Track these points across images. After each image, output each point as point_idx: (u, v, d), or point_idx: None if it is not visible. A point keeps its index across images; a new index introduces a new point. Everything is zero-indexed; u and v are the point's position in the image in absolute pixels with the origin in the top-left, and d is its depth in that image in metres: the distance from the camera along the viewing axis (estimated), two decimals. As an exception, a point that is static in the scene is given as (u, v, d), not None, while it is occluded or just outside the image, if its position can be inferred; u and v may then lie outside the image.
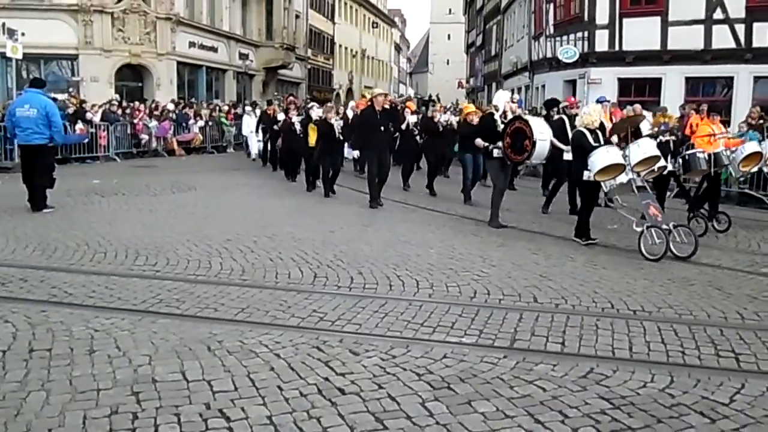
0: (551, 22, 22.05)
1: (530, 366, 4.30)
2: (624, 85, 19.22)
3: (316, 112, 13.66)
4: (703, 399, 3.87)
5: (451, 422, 3.54)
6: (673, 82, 17.90)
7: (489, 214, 9.69)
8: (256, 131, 19.29)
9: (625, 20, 18.91)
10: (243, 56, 33.97)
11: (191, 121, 23.02)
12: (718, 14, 17.50)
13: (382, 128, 11.15)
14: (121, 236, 8.15)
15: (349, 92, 53.71)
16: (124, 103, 21.82)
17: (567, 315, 5.41)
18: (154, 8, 26.20)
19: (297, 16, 41.46)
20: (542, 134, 9.08)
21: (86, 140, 18.43)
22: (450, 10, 70.71)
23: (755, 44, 17.18)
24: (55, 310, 5.24)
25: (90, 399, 3.70)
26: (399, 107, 15.48)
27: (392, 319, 5.22)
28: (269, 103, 20.46)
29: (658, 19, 18.33)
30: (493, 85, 35.93)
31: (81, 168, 17.29)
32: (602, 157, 8.10)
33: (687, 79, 18.26)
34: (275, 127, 16.57)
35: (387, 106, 11.52)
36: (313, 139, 12.99)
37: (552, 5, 21.94)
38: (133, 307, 5.44)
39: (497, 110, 9.85)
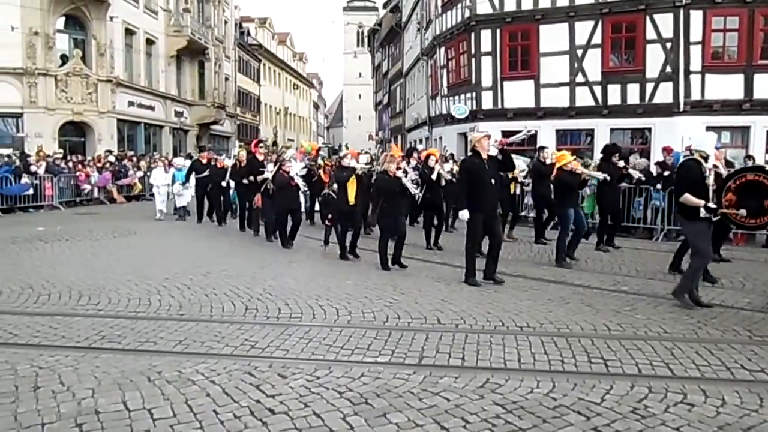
0: (445, 84, 22.71)
1: (436, 379, 4.33)
2: (506, 137, 19.66)
3: (355, 162, 10.02)
4: (579, 400, 3.99)
5: (369, 433, 3.52)
6: (547, 133, 18.53)
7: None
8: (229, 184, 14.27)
9: (505, 83, 19.65)
10: (178, 114, 33.40)
11: (130, 171, 22.48)
12: (579, 78, 18.49)
13: (493, 181, 7.76)
14: (64, 279, 7.74)
15: (274, 145, 53.39)
16: (68, 156, 20.98)
17: (466, 333, 5.48)
18: (95, 71, 25.47)
19: (226, 79, 41.15)
20: None
21: (29, 191, 17.50)
22: (360, 73, 72.06)
23: (610, 102, 18.22)
24: None
25: (34, 433, 3.47)
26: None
27: (316, 344, 5.16)
28: (247, 151, 13.71)
29: (532, 82, 19.16)
30: (398, 137, 36.54)
31: (25, 216, 16.34)
32: None
33: (557, 131, 19.02)
34: (253, 179, 12.06)
35: (494, 153, 7.82)
36: (352, 194, 9.63)
37: (445, 70, 22.60)
38: (76, 344, 5.16)
39: (704, 157, 6.50)
